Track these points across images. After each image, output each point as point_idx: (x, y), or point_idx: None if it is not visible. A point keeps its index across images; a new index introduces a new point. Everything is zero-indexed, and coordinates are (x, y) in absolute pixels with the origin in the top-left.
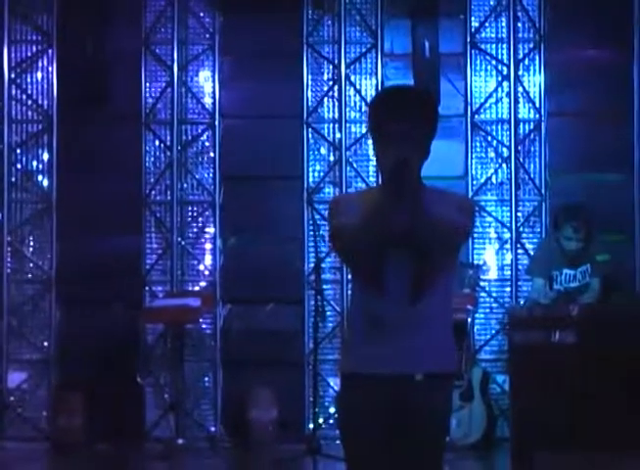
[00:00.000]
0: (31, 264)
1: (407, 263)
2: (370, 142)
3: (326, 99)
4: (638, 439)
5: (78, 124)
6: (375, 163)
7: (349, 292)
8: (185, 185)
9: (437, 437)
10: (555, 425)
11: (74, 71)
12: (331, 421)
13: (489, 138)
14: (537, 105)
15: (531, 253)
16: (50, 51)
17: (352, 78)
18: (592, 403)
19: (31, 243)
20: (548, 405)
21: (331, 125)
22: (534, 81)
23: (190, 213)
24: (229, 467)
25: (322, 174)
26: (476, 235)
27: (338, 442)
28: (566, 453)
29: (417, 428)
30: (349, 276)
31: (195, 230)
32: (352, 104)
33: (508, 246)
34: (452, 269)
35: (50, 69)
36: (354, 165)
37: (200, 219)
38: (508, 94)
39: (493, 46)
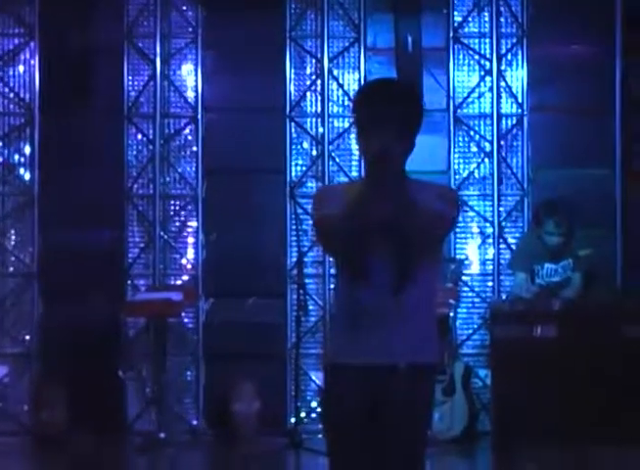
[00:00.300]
0: (13, 258)
1: (391, 253)
2: (353, 136)
3: (309, 93)
4: (617, 432)
5: (61, 117)
6: (358, 156)
7: (332, 285)
8: (168, 179)
9: (419, 427)
10: (536, 419)
11: (57, 65)
12: (313, 415)
13: (472, 133)
14: (520, 100)
15: (514, 247)
16: (32, 44)
17: (335, 73)
18: (572, 398)
19: (13, 236)
20: (529, 399)
21: (313, 120)
22: (517, 76)
23: (172, 207)
24: (211, 461)
25: (304, 169)
26: (458, 230)
27: (319, 436)
28: (546, 447)
29: (399, 418)
30: (332, 270)
31: (177, 224)
32: (335, 98)
33: (490, 240)
34: (436, 261)
35: (32, 62)
36: (337, 160)
37: (182, 213)
38: (490, 89)
39: (476, 41)
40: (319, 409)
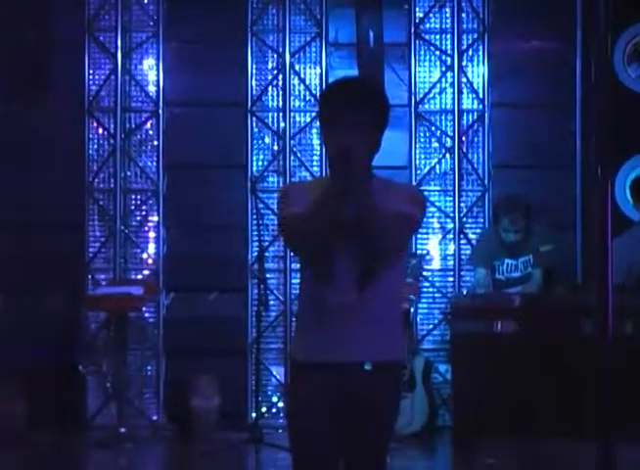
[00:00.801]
0: None
1: (355, 252)
2: (315, 131)
3: (270, 88)
4: (576, 427)
5: (21, 111)
6: (320, 152)
7: (294, 281)
8: (128, 173)
9: (384, 425)
10: (495, 414)
11: (17, 57)
12: (273, 410)
13: (433, 128)
14: (481, 95)
15: (474, 243)
16: None
17: (297, 67)
18: (531, 392)
19: None
20: (489, 395)
21: (275, 114)
22: (478, 72)
23: (133, 202)
24: (171, 456)
25: (266, 163)
26: None
27: (280, 431)
28: (505, 441)
29: (364, 416)
30: (294, 265)
31: (138, 218)
32: (297, 93)
33: (451, 236)
34: (401, 259)
35: None
36: (298, 155)
37: (143, 208)
38: (452, 85)
39: (437, 37)
40: (280, 404)
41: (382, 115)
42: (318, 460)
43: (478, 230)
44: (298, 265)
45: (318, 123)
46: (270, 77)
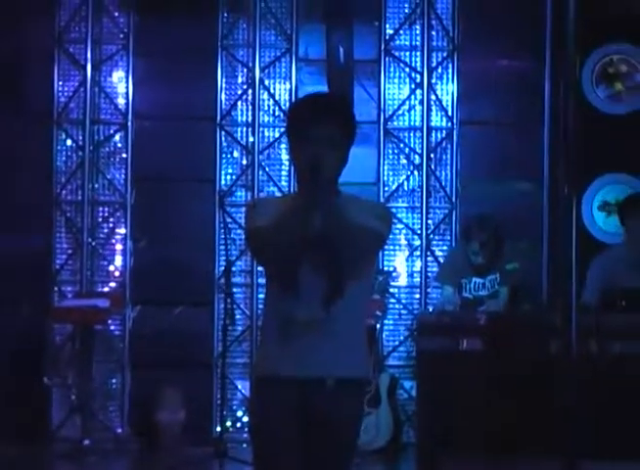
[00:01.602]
0: None
1: (322, 267)
2: (283, 146)
3: (240, 102)
4: (542, 445)
5: None
6: (288, 166)
7: (260, 295)
8: (96, 185)
9: (347, 442)
10: (461, 431)
11: None
12: (238, 425)
13: (402, 145)
14: (450, 113)
15: (441, 260)
16: None
17: (266, 82)
18: (496, 410)
19: None
20: (454, 412)
21: (244, 129)
22: (447, 90)
23: (101, 214)
24: (135, 468)
25: (234, 178)
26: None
27: (245, 445)
28: (470, 459)
29: (327, 432)
30: (261, 279)
31: (105, 231)
32: (266, 108)
33: (418, 253)
34: (367, 276)
35: None
36: (267, 169)
37: (111, 220)
38: (421, 102)
39: (407, 54)
40: (245, 419)
41: (349, 130)
42: None
43: (445, 247)
44: (265, 279)
45: (286, 138)
46: (240, 92)
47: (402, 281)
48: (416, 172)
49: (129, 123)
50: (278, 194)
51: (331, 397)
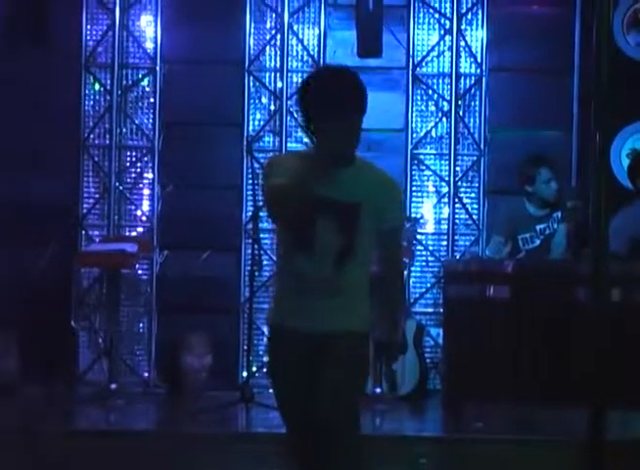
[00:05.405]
0: None
1: (335, 228)
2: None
3: (268, 47)
4: (565, 393)
5: (16, 63)
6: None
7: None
8: (124, 130)
9: (353, 377)
10: (485, 379)
11: (14, 10)
12: (264, 370)
13: (430, 92)
14: (479, 60)
15: (468, 207)
16: None
17: (295, 28)
18: (522, 359)
19: None
20: (480, 359)
21: (272, 74)
22: (476, 36)
23: (128, 159)
24: (161, 412)
25: (262, 123)
26: (414, 188)
27: (270, 390)
28: (495, 406)
29: (334, 367)
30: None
31: (133, 175)
32: (294, 53)
33: (445, 200)
34: (372, 230)
35: None
36: (295, 115)
37: (138, 165)
38: (450, 48)
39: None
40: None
41: (365, 104)
42: (297, 416)
43: (472, 195)
44: (279, 237)
45: (300, 108)
46: (268, 37)
47: (430, 228)
48: (444, 119)
49: (157, 68)
50: (298, 147)
51: (337, 347)
